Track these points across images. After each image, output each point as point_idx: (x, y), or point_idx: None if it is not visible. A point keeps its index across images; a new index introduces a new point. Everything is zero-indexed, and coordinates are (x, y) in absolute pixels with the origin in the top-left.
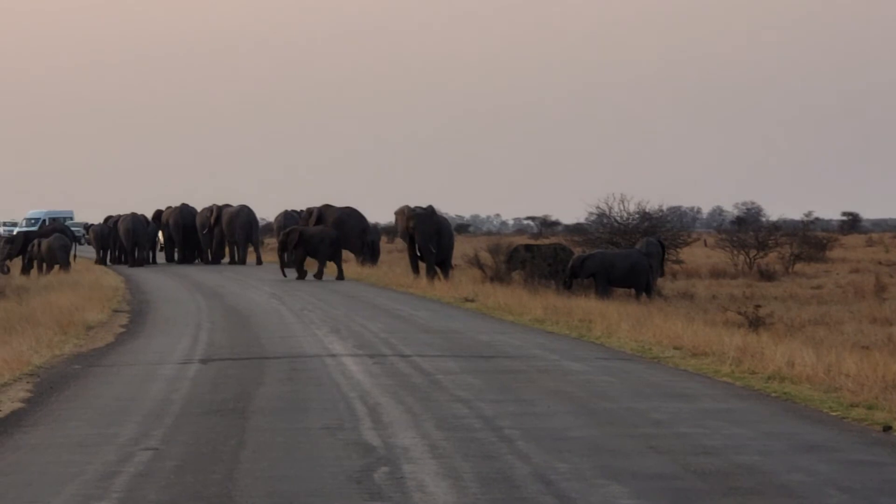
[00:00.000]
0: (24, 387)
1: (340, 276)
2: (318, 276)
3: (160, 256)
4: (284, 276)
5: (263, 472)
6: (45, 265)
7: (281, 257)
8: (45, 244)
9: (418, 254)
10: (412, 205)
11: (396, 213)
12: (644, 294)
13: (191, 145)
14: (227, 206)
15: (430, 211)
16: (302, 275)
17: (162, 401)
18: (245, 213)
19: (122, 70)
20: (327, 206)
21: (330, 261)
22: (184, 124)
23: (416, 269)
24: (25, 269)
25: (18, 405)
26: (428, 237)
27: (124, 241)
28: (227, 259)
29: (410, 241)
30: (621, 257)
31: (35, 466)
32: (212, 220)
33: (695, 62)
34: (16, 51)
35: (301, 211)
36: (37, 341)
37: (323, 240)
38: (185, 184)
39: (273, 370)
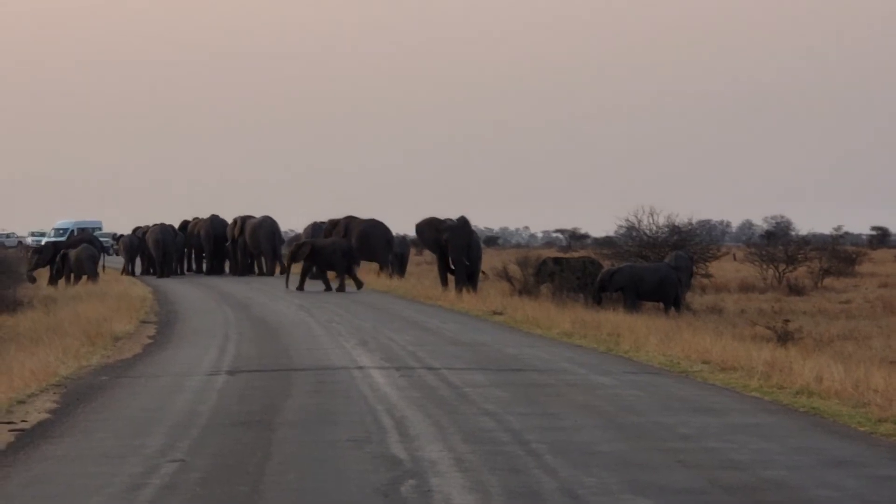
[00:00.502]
0: (51, 398)
1: (358, 286)
2: (341, 288)
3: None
4: (287, 286)
5: (290, 485)
6: (73, 276)
7: (287, 268)
8: (74, 254)
9: (452, 266)
10: (439, 217)
11: (421, 226)
12: (673, 308)
13: (218, 156)
14: (251, 217)
15: (464, 222)
16: (302, 286)
17: (189, 412)
18: (268, 224)
19: (151, 79)
20: (352, 218)
21: (346, 273)
22: (211, 134)
23: (444, 282)
24: (53, 280)
25: (45, 416)
26: (461, 250)
27: (153, 251)
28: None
29: (441, 254)
30: (650, 271)
31: (61, 478)
32: (236, 232)
33: (723, 75)
34: (45, 59)
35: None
36: (64, 352)
37: (335, 251)
38: (214, 195)
39: (300, 382)
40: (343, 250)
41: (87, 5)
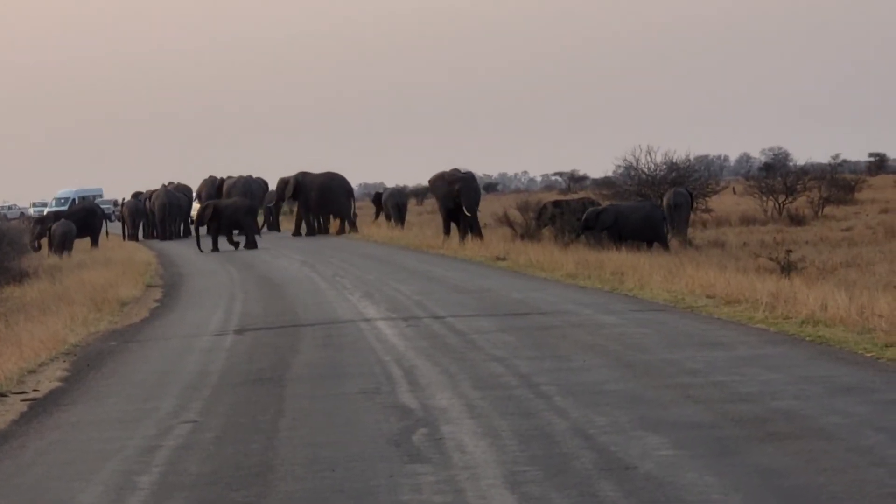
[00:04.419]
0: (62, 366)
1: (252, 245)
2: (249, 244)
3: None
4: (200, 250)
5: (303, 440)
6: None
7: (196, 231)
8: (53, 228)
9: (468, 214)
10: (439, 169)
11: (433, 180)
12: (660, 245)
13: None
14: (230, 177)
15: (472, 175)
16: (216, 247)
17: (199, 373)
18: (242, 183)
19: (146, 47)
20: (305, 174)
21: (249, 230)
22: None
23: (448, 231)
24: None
25: (56, 384)
26: (475, 200)
27: (158, 215)
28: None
29: (453, 204)
30: (634, 210)
31: (76, 444)
32: (212, 193)
33: (716, 10)
34: (44, 32)
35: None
36: (72, 320)
37: (238, 210)
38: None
39: (308, 337)
40: (246, 209)
41: None
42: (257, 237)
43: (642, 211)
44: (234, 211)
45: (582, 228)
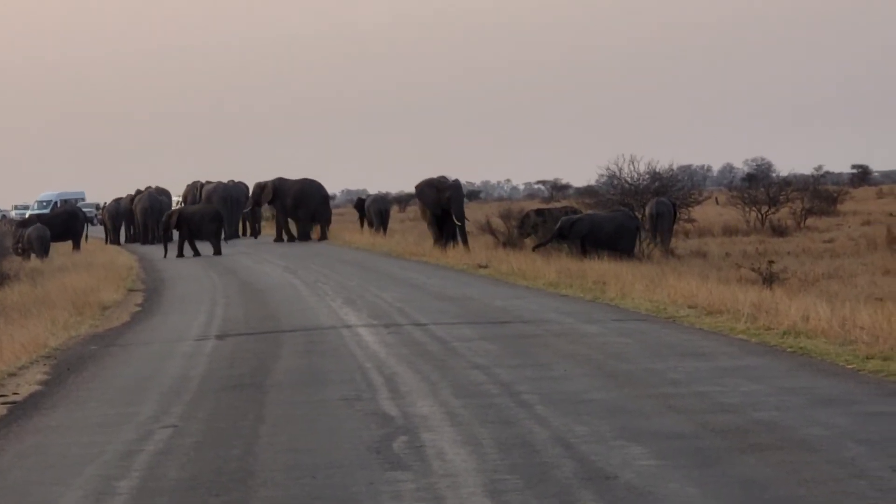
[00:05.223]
0: (42, 369)
1: (217, 252)
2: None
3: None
4: (165, 256)
5: (283, 446)
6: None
7: (164, 238)
8: (27, 233)
9: (458, 223)
10: (423, 176)
11: (421, 186)
12: (628, 255)
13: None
14: (209, 182)
15: (458, 183)
16: (181, 253)
17: (180, 378)
18: (221, 190)
19: (132, 51)
20: (282, 180)
21: (213, 237)
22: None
23: (438, 238)
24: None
25: (37, 388)
26: (461, 207)
27: (140, 219)
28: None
29: (440, 211)
30: (608, 220)
31: (56, 448)
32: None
33: (700, 20)
34: (25, 34)
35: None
36: (52, 323)
37: (203, 217)
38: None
39: (289, 343)
40: (210, 216)
41: None
42: (223, 244)
43: (615, 221)
44: (199, 218)
45: (557, 236)
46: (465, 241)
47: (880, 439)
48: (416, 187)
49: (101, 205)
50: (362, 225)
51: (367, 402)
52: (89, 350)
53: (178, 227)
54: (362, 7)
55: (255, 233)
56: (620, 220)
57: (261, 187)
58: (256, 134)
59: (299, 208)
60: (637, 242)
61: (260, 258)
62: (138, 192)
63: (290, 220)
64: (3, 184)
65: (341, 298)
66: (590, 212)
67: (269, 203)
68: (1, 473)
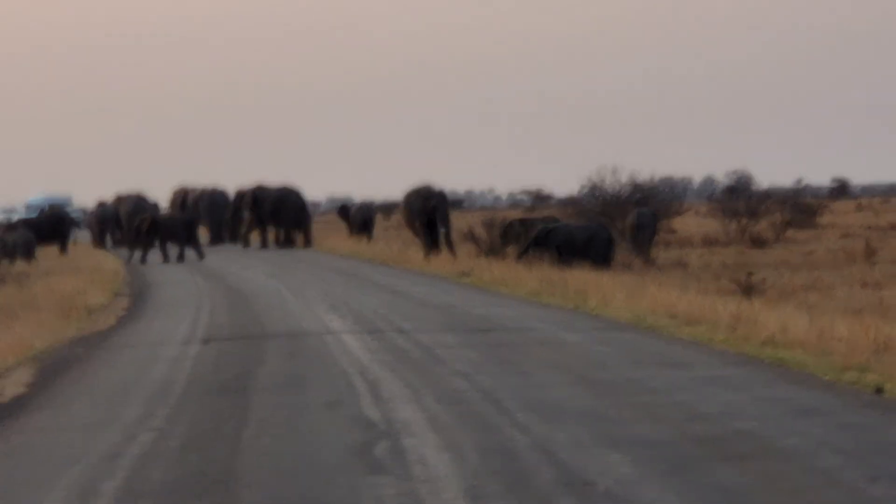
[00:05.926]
0: (28, 371)
1: (200, 257)
2: (180, 258)
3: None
4: (129, 261)
5: (266, 449)
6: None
7: (131, 243)
8: (11, 238)
9: (443, 230)
10: (407, 184)
11: (409, 195)
12: (602, 264)
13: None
14: (193, 189)
15: (443, 193)
16: (144, 259)
17: (165, 381)
18: (208, 196)
19: (118, 52)
20: (261, 188)
21: (187, 244)
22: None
23: (428, 247)
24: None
25: (22, 389)
26: (447, 215)
27: (126, 223)
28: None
29: (427, 221)
30: (581, 230)
31: (41, 449)
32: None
33: (683, 35)
34: (12, 36)
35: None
36: (39, 326)
37: (175, 224)
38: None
39: (274, 349)
40: (183, 223)
41: None
42: (196, 251)
43: (589, 231)
44: (172, 224)
45: (533, 244)
46: (451, 248)
47: (855, 449)
48: (405, 196)
49: (87, 210)
50: (351, 232)
51: (350, 406)
52: (75, 353)
53: (149, 232)
54: (353, 11)
55: (234, 239)
56: (594, 231)
57: (241, 195)
58: (242, 140)
59: (278, 216)
60: (610, 252)
61: (245, 264)
62: (119, 197)
63: (268, 227)
64: None
65: (325, 304)
66: (565, 222)
67: (249, 210)
68: None
